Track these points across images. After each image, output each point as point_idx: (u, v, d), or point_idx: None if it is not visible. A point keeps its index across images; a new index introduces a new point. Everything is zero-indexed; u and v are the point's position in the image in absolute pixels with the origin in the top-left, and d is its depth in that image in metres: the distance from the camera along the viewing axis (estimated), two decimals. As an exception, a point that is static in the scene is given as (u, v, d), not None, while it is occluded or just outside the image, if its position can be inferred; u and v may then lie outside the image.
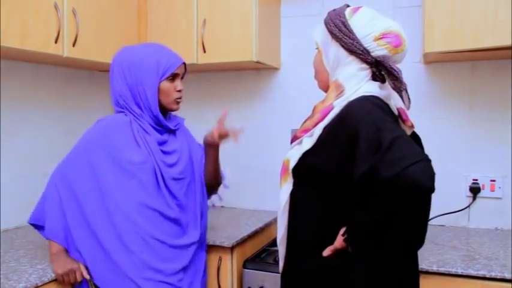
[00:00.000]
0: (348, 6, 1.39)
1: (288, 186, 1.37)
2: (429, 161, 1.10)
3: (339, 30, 1.32)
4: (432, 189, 1.08)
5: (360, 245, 1.23)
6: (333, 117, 1.28)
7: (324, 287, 1.31)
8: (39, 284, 1.48)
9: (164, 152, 1.65)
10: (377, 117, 1.19)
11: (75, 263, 1.56)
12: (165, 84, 1.62)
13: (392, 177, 1.06)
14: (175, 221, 1.63)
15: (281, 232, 1.41)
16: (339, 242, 1.27)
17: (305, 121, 1.39)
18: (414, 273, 1.39)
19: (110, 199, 1.55)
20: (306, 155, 1.31)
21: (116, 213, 1.54)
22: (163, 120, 1.65)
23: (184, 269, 1.65)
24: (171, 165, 1.65)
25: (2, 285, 1.41)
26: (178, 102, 1.67)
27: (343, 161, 1.19)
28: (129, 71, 1.60)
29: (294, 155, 1.35)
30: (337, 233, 1.28)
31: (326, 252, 1.29)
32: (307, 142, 1.31)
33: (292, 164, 1.34)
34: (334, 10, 1.39)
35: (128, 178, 1.56)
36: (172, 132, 1.73)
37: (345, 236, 1.25)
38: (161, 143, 1.66)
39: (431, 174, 1.08)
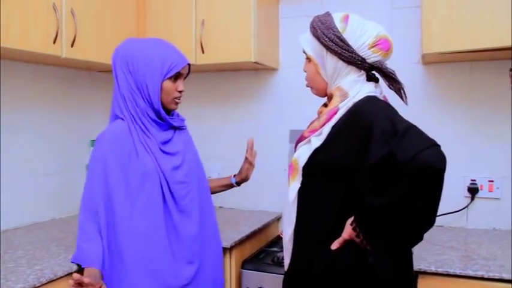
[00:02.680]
0: (329, 13, 1.42)
1: (296, 184, 1.41)
2: (439, 146, 1.20)
3: (336, 44, 1.37)
4: (444, 171, 1.17)
5: (372, 230, 1.26)
6: (341, 116, 1.35)
7: (336, 279, 1.33)
8: (37, 285, 1.48)
9: (167, 153, 1.62)
10: (388, 111, 1.31)
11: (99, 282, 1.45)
12: (167, 84, 1.59)
13: (408, 160, 1.15)
14: (180, 237, 1.60)
15: (290, 229, 1.43)
16: (347, 232, 1.30)
17: (311, 122, 1.45)
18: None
19: (121, 222, 1.53)
20: (315, 152, 1.36)
21: (124, 238, 1.53)
22: (165, 115, 1.62)
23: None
24: (175, 168, 1.62)
25: (0, 286, 1.41)
26: (177, 103, 1.66)
27: (357, 152, 1.26)
28: (133, 65, 1.57)
29: (302, 154, 1.40)
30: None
31: (334, 245, 1.32)
32: (316, 141, 1.36)
33: (302, 162, 1.39)
34: (320, 20, 1.41)
35: (137, 194, 1.55)
36: (177, 129, 1.70)
37: (354, 225, 1.28)
38: (164, 142, 1.63)
39: (443, 157, 1.18)
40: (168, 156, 1.62)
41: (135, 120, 1.58)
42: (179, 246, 1.59)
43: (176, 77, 1.62)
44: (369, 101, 1.34)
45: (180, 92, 1.64)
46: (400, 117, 1.29)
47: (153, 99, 1.58)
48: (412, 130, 1.21)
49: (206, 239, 1.69)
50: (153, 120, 1.61)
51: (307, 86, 1.52)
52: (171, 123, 1.65)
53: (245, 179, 1.94)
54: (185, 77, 1.68)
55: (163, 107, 1.62)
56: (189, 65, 1.67)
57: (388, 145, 1.19)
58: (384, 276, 1.30)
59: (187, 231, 1.61)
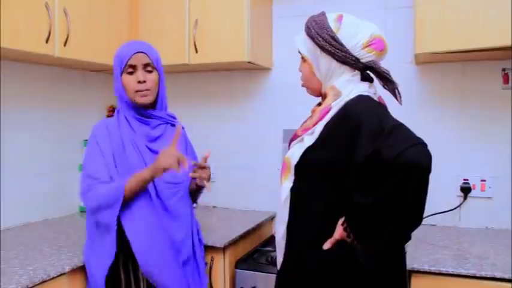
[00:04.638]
0: (324, 13, 1.43)
1: (288, 183, 1.41)
2: (425, 144, 1.19)
3: (330, 44, 1.37)
4: (429, 169, 1.17)
5: (360, 229, 1.26)
6: (333, 115, 1.35)
7: (328, 278, 1.33)
8: (30, 285, 1.47)
9: (154, 151, 1.62)
10: (377, 110, 1.31)
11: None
12: (125, 78, 1.63)
13: (393, 158, 1.15)
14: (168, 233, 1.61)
15: (283, 228, 1.43)
16: (339, 232, 1.31)
17: (305, 121, 1.45)
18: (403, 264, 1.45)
19: None
20: (307, 151, 1.36)
21: None
22: (143, 109, 1.66)
23: None
24: None
25: (-7, 287, 1.40)
26: (142, 95, 1.62)
27: (346, 150, 1.26)
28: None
29: (295, 152, 1.40)
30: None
31: (326, 245, 1.32)
32: (309, 139, 1.37)
33: (294, 161, 1.39)
34: (314, 20, 1.42)
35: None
36: (165, 126, 1.71)
37: (344, 225, 1.29)
38: (151, 140, 1.64)
39: (428, 156, 1.17)
40: (154, 155, 1.60)
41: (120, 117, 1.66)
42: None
43: (133, 69, 1.62)
44: (360, 100, 1.35)
45: (140, 82, 1.61)
46: (390, 116, 1.30)
47: (123, 96, 1.65)
48: (398, 128, 1.22)
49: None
50: (136, 119, 1.65)
51: (303, 86, 1.52)
52: (154, 114, 1.67)
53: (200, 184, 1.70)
54: (150, 68, 1.64)
55: (140, 104, 1.65)
56: (143, 53, 1.63)
57: (374, 143, 1.19)
58: (375, 276, 1.31)
59: (174, 233, 1.61)
